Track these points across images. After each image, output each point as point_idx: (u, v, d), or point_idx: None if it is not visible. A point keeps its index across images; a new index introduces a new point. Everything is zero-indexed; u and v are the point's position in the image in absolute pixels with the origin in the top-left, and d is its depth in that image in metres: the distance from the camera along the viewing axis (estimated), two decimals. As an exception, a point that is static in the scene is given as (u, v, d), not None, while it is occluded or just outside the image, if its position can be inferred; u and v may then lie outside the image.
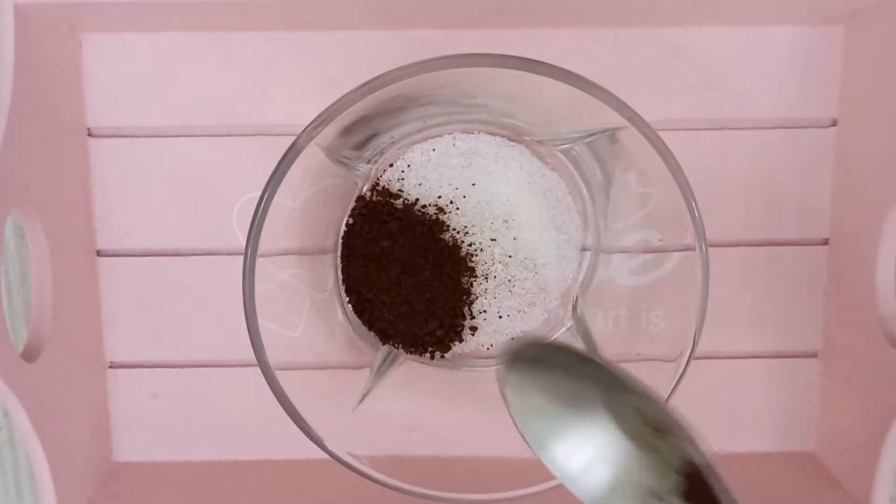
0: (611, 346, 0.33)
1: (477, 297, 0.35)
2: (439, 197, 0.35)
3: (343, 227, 0.35)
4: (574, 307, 0.35)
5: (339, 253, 0.35)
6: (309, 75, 0.36)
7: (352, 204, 0.35)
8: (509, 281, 0.35)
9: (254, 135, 0.36)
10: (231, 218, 0.36)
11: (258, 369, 0.27)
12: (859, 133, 0.35)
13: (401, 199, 0.35)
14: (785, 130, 0.36)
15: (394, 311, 0.34)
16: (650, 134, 0.26)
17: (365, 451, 0.29)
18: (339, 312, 0.35)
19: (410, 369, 0.35)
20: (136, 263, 0.37)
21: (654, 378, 0.29)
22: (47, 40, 0.33)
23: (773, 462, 0.38)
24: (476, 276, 0.35)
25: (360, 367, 0.33)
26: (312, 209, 0.32)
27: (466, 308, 0.35)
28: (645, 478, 0.23)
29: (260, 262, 0.27)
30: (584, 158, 0.34)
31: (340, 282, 0.35)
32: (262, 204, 0.26)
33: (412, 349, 0.35)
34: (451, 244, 0.34)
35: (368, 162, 0.34)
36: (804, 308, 0.37)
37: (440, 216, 0.34)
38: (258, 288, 0.27)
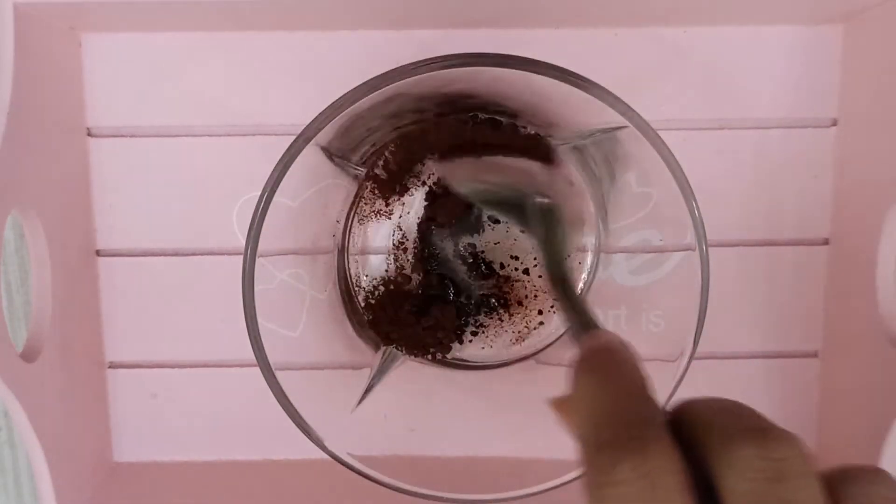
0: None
1: (477, 297, 0.35)
2: (439, 197, 0.34)
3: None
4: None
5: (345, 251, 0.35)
6: (309, 75, 0.36)
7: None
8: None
9: (254, 135, 0.36)
10: (231, 218, 0.36)
11: (258, 369, 0.27)
12: (859, 133, 0.35)
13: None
14: (785, 130, 0.36)
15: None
16: (650, 134, 0.26)
17: (365, 451, 0.29)
18: (339, 312, 0.35)
19: (410, 369, 0.35)
20: (136, 263, 0.37)
21: (654, 378, 0.29)
22: (47, 40, 0.33)
23: (773, 462, 0.38)
24: (476, 277, 0.35)
25: (360, 367, 0.33)
26: (312, 209, 0.32)
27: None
28: None
29: (260, 262, 0.27)
30: (584, 158, 0.34)
31: (351, 279, 0.35)
32: (262, 204, 0.26)
33: (413, 351, 0.35)
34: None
35: (366, 162, 0.34)
36: (804, 308, 0.37)
37: (440, 216, 0.34)
38: (258, 288, 0.27)
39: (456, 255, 0.35)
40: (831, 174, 0.36)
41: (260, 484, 0.37)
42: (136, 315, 0.37)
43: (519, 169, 0.32)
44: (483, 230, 0.34)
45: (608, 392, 0.19)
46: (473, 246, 0.34)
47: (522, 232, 0.34)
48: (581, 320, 0.24)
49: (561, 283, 0.25)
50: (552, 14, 0.34)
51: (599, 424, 0.19)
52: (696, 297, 0.27)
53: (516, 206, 0.29)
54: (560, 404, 0.21)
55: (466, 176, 0.31)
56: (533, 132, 0.33)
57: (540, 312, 0.35)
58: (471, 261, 0.35)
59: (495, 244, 0.34)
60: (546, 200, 0.27)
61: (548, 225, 0.27)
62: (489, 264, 0.35)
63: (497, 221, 0.34)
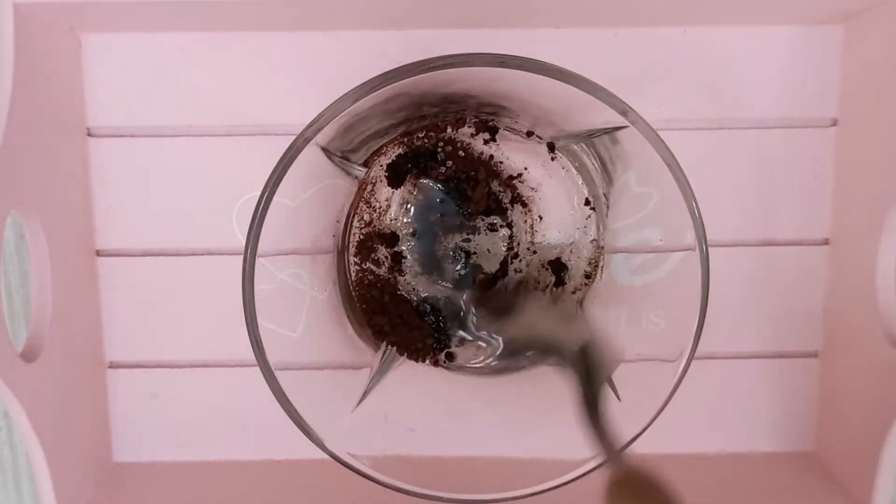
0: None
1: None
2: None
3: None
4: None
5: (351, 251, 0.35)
6: (309, 75, 0.36)
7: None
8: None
9: (254, 135, 0.36)
10: (231, 218, 0.36)
11: (258, 369, 0.27)
12: (859, 133, 0.35)
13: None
14: (785, 130, 0.36)
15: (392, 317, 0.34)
16: (650, 134, 0.26)
17: (365, 451, 0.29)
18: (339, 312, 0.35)
19: (410, 369, 0.35)
20: (136, 263, 0.37)
21: (654, 378, 0.29)
22: (47, 40, 0.33)
23: (773, 462, 0.38)
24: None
25: (360, 367, 0.33)
26: (312, 209, 0.32)
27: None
28: None
29: (260, 262, 0.27)
30: (584, 158, 0.34)
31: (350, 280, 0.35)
32: (262, 204, 0.26)
33: (410, 355, 0.35)
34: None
35: (367, 162, 0.34)
36: (804, 308, 0.37)
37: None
38: (258, 288, 0.27)
39: (447, 260, 0.34)
40: (831, 174, 0.36)
41: (260, 484, 0.37)
42: (136, 315, 0.37)
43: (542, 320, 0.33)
44: (477, 234, 0.34)
45: None
46: (465, 253, 0.34)
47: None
48: (610, 451, 0.24)
49: (595, 415, 0.26)
50: (552, 14, 0.34)
51: None
52: (696, 297, 0.27)
53: (553, 349, 0.30)
54: None
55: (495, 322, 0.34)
56: (533, 132, 0.33)
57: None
58: (460, 270, 0.34)
59: (488, 250, 0.34)
60: (582, 342, 0.28)
61: (586, 365, 0.28)
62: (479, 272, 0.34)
63: (494, 230, 0.34)
